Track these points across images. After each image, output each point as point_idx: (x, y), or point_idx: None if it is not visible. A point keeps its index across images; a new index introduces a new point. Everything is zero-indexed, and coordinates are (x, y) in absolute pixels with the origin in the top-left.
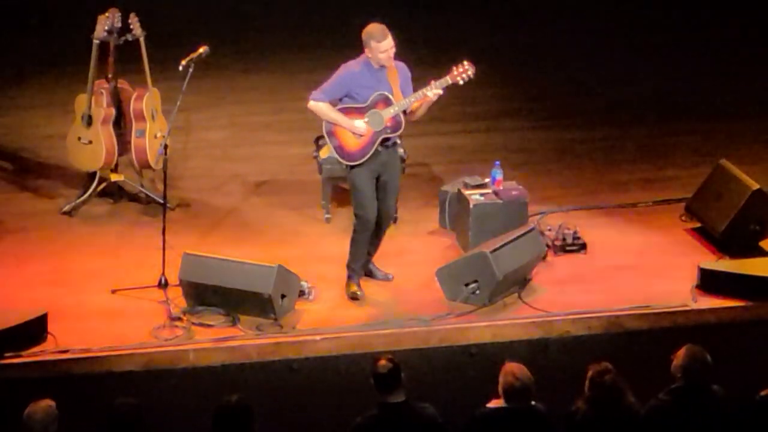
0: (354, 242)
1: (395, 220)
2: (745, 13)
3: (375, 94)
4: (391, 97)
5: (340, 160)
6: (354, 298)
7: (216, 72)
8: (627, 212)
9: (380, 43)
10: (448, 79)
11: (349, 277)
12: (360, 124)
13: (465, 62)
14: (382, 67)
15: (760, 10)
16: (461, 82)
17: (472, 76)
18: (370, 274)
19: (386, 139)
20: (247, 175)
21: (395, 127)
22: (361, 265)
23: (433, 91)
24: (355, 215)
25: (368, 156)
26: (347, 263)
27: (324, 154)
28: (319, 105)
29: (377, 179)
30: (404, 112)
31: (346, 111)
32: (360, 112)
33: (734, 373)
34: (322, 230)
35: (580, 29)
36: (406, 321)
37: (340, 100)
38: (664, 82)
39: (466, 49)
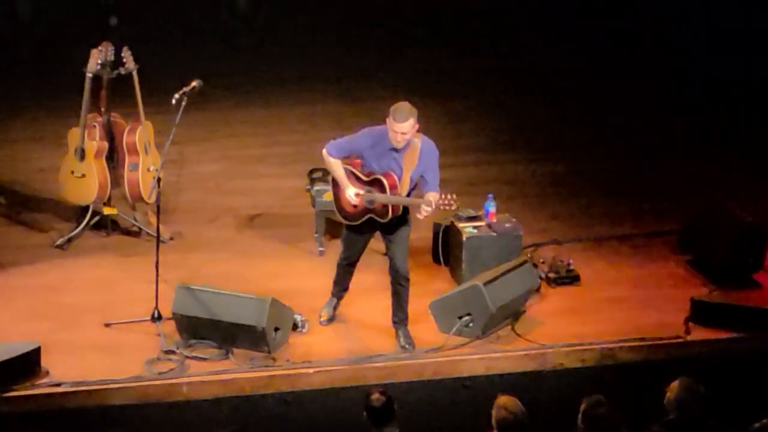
0: (337, 267)
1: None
2: (738, 45)
3: (376, 174)
4: (386, 185)
5: (335, 210)
6: (321, 319)
7: (209, 105)
8: (620, 244)
9: (395, 123)
10: (432, 202)
11: (328, 301)
12: (352, 194)
13: (454, 195)
14: (401, 148)
15: (753, 41)
16: (443, 210)
17: (454, 209)
18: (396, 333)
19: (375, 219)
20: (241, 208)
21: (382, 213)
22: (339, 291)
23: (425, 211)
24: (342, 248)
25: (356, 223)
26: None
27: (327, 197)
28: (330, 159)
29: (383, 234)
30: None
31: (352, 176)
32: (361, 182)
33: (728, 405)
34: (316, 263)
35: (571, 61)
36: (399, 354)
37: (359, 157)
38: (656, 114)
39: (458, 82)
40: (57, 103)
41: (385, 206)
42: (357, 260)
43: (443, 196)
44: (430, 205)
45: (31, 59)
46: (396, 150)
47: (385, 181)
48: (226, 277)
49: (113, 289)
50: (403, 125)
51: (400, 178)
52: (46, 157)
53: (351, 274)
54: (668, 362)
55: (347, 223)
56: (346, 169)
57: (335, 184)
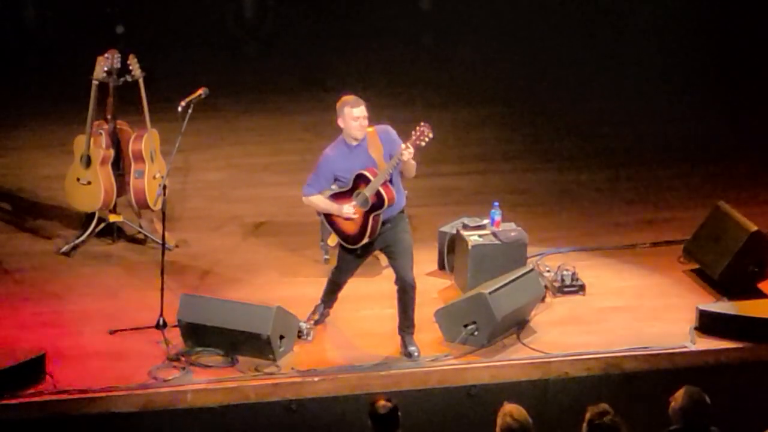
0: (328, 281)
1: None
2: (744, 55)
3: (353, 176)
4: (367, 174)
5: (345, 244)
6: (311, 321)
7: (215, 113)
8: (625, 254)
9: (353, 108)
10: (409, 145)
11: (317, 306)
12: (347, 208)
13: (422, 124)
14: (361, 142)
15: (760, 53)
16: (423, 145)
17: (431, 136)
18: (401, 341)
19: (379, 215)
20: (246, 216)
21: (379, 203)
22: (329, 301)
23: (407, 153)
24: (335, 266)
25: (367, 237)
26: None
27: (332, 242)
28: (310, 199)
29: (384, 249)
30: (390, 180)
31: (337, 197)
32: (348, 195)
33: (733, 414)
34: (321, 271)
35: (578, 72)
36: (404, 362)
37: (336, 180)
38: (662, 124)
39: (465, 91)
40: (63, 111)
41: (379, 195)
42: (345, 282)
43: (413, 132)
44: (406, 149)
45: (37, 67)
46: (358, 145)
47: (365, 172)
48: (231, 285)
49: (118, 296)
50: (362, 108)
51: (376, 166)
52: (51, 165)
53: (338, 292)
54: (673, 372)
55: (350, 246)
56: (329, 197)
57: (330, 221)
